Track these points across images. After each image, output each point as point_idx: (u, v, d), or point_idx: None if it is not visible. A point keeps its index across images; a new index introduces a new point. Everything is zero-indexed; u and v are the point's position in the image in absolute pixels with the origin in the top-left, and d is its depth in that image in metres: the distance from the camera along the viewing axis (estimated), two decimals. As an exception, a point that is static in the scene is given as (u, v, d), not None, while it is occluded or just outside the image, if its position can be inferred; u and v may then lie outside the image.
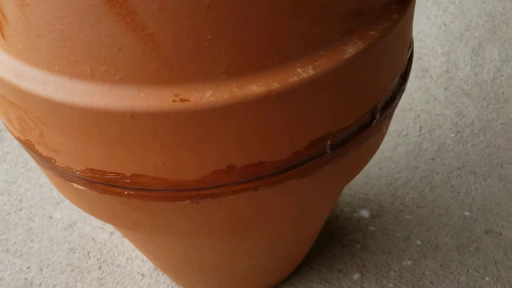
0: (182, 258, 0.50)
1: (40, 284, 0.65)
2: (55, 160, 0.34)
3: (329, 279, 0.64)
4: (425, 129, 0.82)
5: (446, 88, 0.88)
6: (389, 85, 0.37)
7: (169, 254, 0.49)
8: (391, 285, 0.63)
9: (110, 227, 0.71)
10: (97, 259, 0.67)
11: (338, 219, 0.71)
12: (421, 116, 0.84)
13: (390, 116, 0.39)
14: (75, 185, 0.35)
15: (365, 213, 0.71)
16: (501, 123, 0.82)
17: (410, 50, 0.40)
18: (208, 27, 0.27)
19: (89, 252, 0.68)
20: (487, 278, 0.63)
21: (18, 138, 0.36)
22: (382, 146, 0.79)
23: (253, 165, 0.33)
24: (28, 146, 0.35)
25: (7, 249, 0.69)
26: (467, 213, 0.70)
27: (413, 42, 0.41)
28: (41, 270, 0.66)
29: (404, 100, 0.86)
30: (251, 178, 0.33)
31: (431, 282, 0.63)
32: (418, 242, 0.67)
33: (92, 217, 0.72)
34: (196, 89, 0.29)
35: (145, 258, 0.67)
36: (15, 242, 0.70)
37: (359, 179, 0.75)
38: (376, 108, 0.36)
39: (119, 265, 0.66)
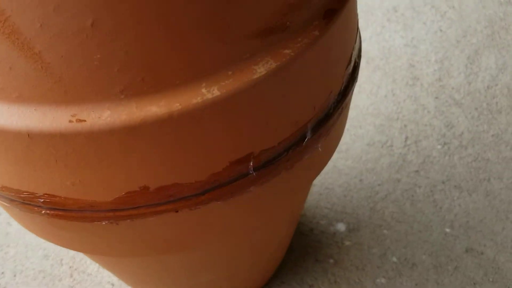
0: (136, 272, 0.49)
1: (10, 291, 0.65)
2: (-27, 176, 0.34)
3: (297, 294, 0.62)
4: (411, 140, 0.79)
5: (436, 97, 0.85)
6: (320, 102, 0.35)
7: (119, 267, 0.49)
8: (360, 303, 0.61)
9: (84, 235, 0.71)
10: (69, 267, 0.67)
11: (313, 232, 0.69)
12: (408, 126, 0.81)
13: (326, 134, 0.37)
14: (1, 201, 0.35)
15: (341, 226, 0.69)
16: (492, 135, 0.78)
17: (352, 65, 0.38)
18: (96, 46, 0.26)
19: (62, 259, 0.68)
20: (462, 299, 0.60)
21: None
22: (364, 157, 0.77)
23: (168, 186, 0.32)
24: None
25: (-17, 255, 0.70)
26: (448, 230, 0.68)
27: (356, 57, 0.39)
28: (15, 276, 0.67)
29: (391, 109, 0.83)
30: (168, 200, 0.32)
31: (402, 301, 0.61)
32: (394, 259, 0.65)
33: (67, 224, 0.72)
34: (94, 109, 0.28)
35: (114, 267, 0.67)
36: (-9, 248, 0.71)
37: (338, 190, 0.74)
38: (306, 127, 0.35)
39: (90, 274, 0.66)
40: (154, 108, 0.28)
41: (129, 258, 0.43)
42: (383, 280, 0.63)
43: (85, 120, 0.28)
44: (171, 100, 0.28)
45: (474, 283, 0.61)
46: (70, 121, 0.28)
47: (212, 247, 0.44)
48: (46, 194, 0.32)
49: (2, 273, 0.68)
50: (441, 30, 0.99)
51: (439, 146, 0.78)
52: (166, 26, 0.26)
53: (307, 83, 0.32)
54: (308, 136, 0.35)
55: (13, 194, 0.33)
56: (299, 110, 0.33)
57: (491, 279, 0.62)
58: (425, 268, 0.64)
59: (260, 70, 0.29)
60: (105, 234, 0.35)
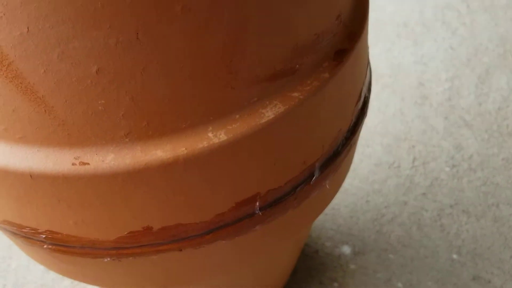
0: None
1: (11, 306, 0.65)
2: (-24, 209, 0.33)
3: (299, 319, 0.62)
4: (419, 161, 0.78)
5: (446, 118, 0.84)
6: (328, 141, 0.34)
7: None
8: (364, 330, 0.60)
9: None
10: (71, 282, 0.67)
11: (318, 254, 0.68)
12: (416, 147, 0.80)
13: (334, 171, 0.37)
14: (4, 232, 0.35)
15: (346, 249, 0.69)
16: (502, 159, 0.77)
17: (362, 101, 0.37)
18: (101, 92, 0.25)
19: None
20: (468, 329, 0.59)
21: None
22: (371, 177, 0.76)
23: (171, 227, 0.31)
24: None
25: (-15, 267, 0.70)
26: (455, 256, 0.66)
27: (366, 92, 0.38)
28: (15, 291, 0.67)
29: (399, 129, 0.82)
30: (172, 240, 0.32)
31: (407, 330, 0.60)
32: (400, 284, 0.64)
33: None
34: (97, 152, 0.27)
35: None
36: (-6, 260, 0.70)
37: (344, 211, 0.73)
38: (314, 166, 0.34)
39: (91, 291, 0.66)
40: (159, 152, 0.27)
41: None
42: (387, 307, 0.62)
43: (88, 163, 0.27)
44: (177, 145, 0.28)
45: (480, 313, 0.61)
46: (73, 164, 0.27)
47: (214, 280, 0.43)
48: (48, 230, 0.31)
49: (4, 285, 0.67)
50: (451, 48, 0.97)
51: (447, 169, 0.77)
52: (171, 72, 0.26)
53: (316, 124, 0.32)
54: (316, 174, 0.34)
55: (15, 228, 0.32)
56: (308, 150, 0.33)
57: (497, 310, 0.61)
58: (430, 296, 0.63)
59: (268, 114, 0.29)
60: (108, 269, 0.34)
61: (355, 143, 0.39)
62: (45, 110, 0.26)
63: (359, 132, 0.38)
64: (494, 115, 0.84)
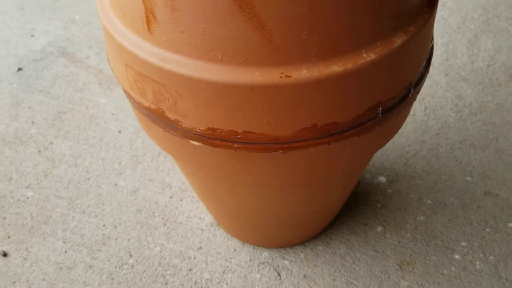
0: (252, 207, 0.63)
1: (116, 239, 0.77)
2: (182, 122, 0.46)
3: (357, 231, 0.77)
4: (430, 109, 0.95)
5: (446, 75, 1.01)
6: (419, 67, 0.50)
7: (242, 202, 0.62)
8: (408, 235, 0.77)
9: (168, 193, 0.83)
10: (162, 218, 0.80)
11: (361, 184, 0.84)
12: (426, 98, 0.97)
13: (418, 91, 0.52)
14: (192, 141, 0.48)
15: (382, 179, 0.85)
16: (495, 104, 0.95)
17: (432, 41, 0.53)
18: (307, 26, 0.39)
19: (153, 212, 0.81)
20: (487, 229, 0.77)
21: (148, 108, 0.48)
22: (394, 124, 0.92)
23: (329, 124, 0.45)
24: (157, 113, 0.48)
25: (83, 211, 0.81)
26: (468, 178, 0.84)
27: (433, 34, 0.54)
28: (115, 227, 0.79)
29: (412, 85, 0.99)
30: (326, 134, 0.46)
31: (441, 233, 0.77)
32: (429, 201, 0.81)
33: (152, 184, 0.85)
34: (295, 69, 0.41)
35: (202, 216, 0.80)
36: (88, 206, 0.82)
37: (376, 151, 0.89)
38: (411, 84, 0.49)
39: (181, 223, 0.79)
40: (335, 67, 0.42)
41: (269, 187, 0.56)
42: (422, 218, 0.79)
43: (290, 76, 0.41)
44: (346, 62, 0.42)
45: (494, 217, 0.78)
46: (281, 77, 0.41)
47: (322, 181, 0.58)
48: (245, 131, 0.45)
49: (104, 225, 0.79)
50: (443, 18, 1.15)
51: (453, 114, 0.94)
52: (349, 13, 0.40)
53: (419, 51, 0.47)
54: (412, 91, 0.50)
55: (217, 133, 0.46)
56: (411, 71, 0.48)
57: (506, 214, 0.78)
58: (454, 208, 0.80)
59: (398, 41, 0.44)
60: (273, 162, 0.48)
61: (427, 72, 0.54)
62: (267, 39, 0.40)
63: (431, 63, 0.54)
64: (485, 70, 1.02)
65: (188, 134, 0.47)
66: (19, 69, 1.06)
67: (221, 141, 0.47)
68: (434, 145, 0.89)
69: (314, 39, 0.40)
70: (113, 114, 0.97)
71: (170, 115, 0.47)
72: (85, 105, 0.99)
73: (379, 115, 0.48)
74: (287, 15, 0.39)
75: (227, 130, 0.45)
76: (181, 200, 0.82)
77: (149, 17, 0.42)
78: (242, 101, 0.43)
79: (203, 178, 0.60)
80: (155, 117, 0.49)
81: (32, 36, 1.14)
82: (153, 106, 0.48)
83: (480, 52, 1.06)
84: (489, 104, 0.96)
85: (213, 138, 0.47)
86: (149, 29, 0.43)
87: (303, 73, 0.41)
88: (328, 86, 0.42)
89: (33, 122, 0.96)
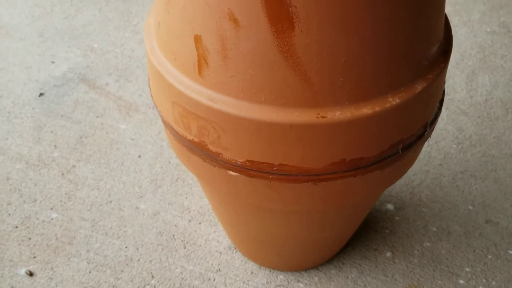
0: (271, 231, 0.67)
1: (138, 260, 0.81)
2: (222, 154, 0.51)
3: (367, 256, 0.82)
4: (432, 141, 1.01)
5: (447, 108, 1.08)
6: (435, 108, 0.55)
7: (262, 227, 0.67)
8: (416, 260, 0.81)
9: (187, 216, 0.87)
10: (181, 241, 0.84)
11: (370, 211, 0.89)
12: (430, 130, 1.03)
13: (433, 130, 0.58)
14: (230, 172, 0.53)
15: (390, 206, 0.90)
16: (494, 137, 1.02)
17: (443, 95, 0.59)
18: (342, 74, 0.45)
19: (173, 235, 0.85)
20: (489, 256, 0.82)
21: (190, 140, 0.53)
22: (400, 154, 0.98)
23: (356, 159, 0.51)
24: (200, 145, 0.53)
25: (106, 233, 0.85)
26: (470, 207, 0.89)
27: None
28: (137, 249, 0.83)
29: (415, 117, 1.05)
30: (353, 168, 0.51)
31: (446, 259, 0.82)
32: (434, 228, 0.86)
33: (171, 207, 0.89)
34: (330, 110, 0.47)
35: (220, 239, 0.84)
36: (111, 227, 0.86)
37: (383, 180, 0.94)
38: (427, 124, 0.55)
39: (200, 245, 0.83)
40: (365, 110, 0.47)
41: (297, 213, 0.61)
42: (428, 244, 0.84)
43: (326, 117, 0.47)
44: (374, 105, 0.48)
45: (495, 244, 0.83)
46: (317, 117, 0.47)
47: (341, 209, 0.63)
48: (281, 163, 0.50)
49: (126, 247, 0.83)
50: (443, 54, 1.22)
51: (454, 146, 1.00)
52: (379, 60, 0.46)
53: (436, 93, 0.53)
54: (428, 129, 0.55)
55: (255, 165, 0.51)
56: (428, 112, 0.54)
57: (506, 241, 0.84)
58: (458, 235, 0.85)
59: (418, 87, 0.49)
60: (304, 192, 0.53)
61: (440, 112, 0.60)
62: (307, 85, 0.45)
63: (443, 105, 0.60)
64: (483, 104, 1.09)
65: (228, 165, 0.52)
66: (41, 94, 1.11)
67: (257, 172, 0.52)
68: (437, 175, 0.95)
69: (347, 86, 0.46)
70: (132, 140, 1.02)
71: (213, 148, 0.52)
72: (106, 130, 1.04)
73: (400, 151, 0.53)
74: (326, 64, 0.44)
75: (264, 163, 0.50)
76: (200, 223, 0.87)
77: (201, 62, 0.47)
78: (281, 138, 0.48)
79: (230, 203, 0.65)
80: (197, 149, 0.54)
81: (53, 62, 1.19)
82: (196, 139, 0.53)
83: (478, 87, 1.13)
84: (487, 137, 1.02)
85: (250, 169, 0.52)
86: (199, 73, 0.49)
87: (336, 114, 0.47)
88: (358, 126, 0.48)
89: (55, 146, 1.00)
